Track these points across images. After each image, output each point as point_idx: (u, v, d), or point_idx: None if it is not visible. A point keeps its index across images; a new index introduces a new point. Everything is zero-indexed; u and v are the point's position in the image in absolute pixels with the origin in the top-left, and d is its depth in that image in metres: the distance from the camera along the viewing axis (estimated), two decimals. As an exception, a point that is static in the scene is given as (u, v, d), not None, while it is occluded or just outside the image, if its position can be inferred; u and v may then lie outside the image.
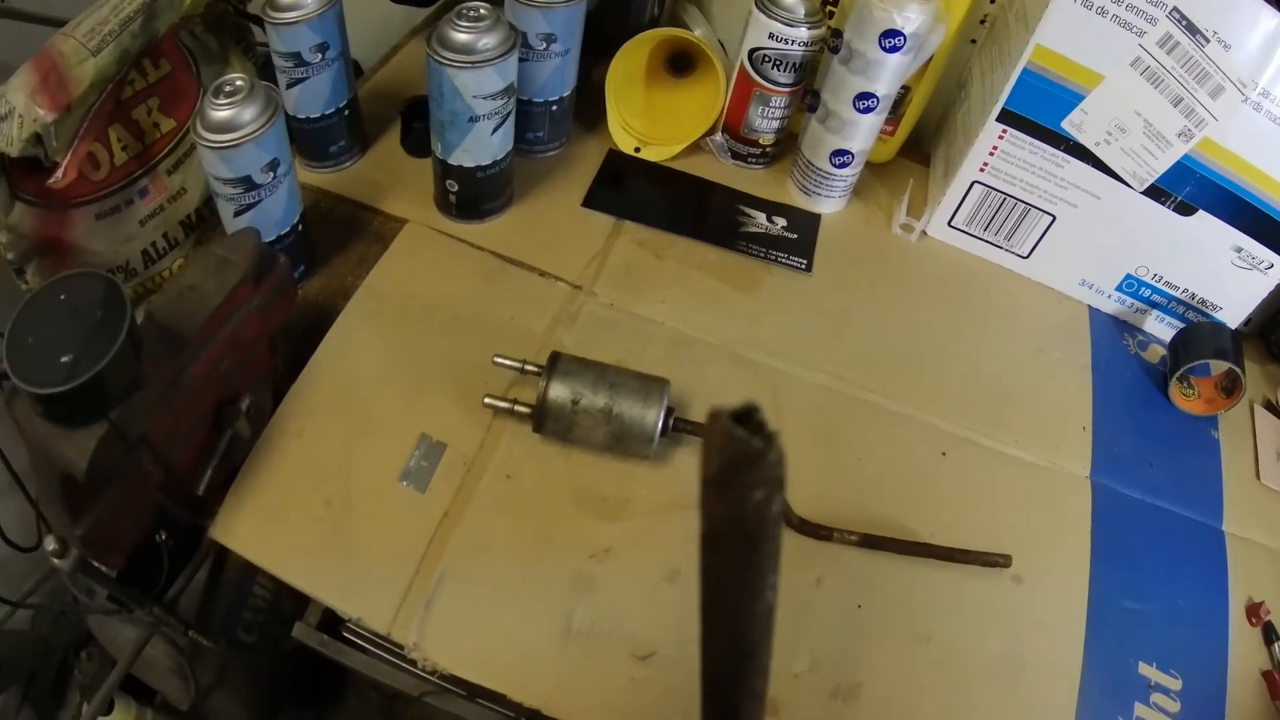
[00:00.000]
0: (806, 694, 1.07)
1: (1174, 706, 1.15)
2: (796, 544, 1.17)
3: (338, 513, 1.10)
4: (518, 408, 1.16)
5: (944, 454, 1.30)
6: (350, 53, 1.35)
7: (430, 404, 1.20)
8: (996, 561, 1.18)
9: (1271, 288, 1.48)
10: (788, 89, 1.46)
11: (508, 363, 1.19)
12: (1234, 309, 1.53)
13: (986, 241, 1.56)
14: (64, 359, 0.79)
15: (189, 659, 1.38)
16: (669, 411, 1.15)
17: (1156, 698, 1.16)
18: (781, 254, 1.47)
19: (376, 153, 1.49)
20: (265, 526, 1.09)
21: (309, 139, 1.38)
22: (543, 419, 1.13)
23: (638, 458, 1.19)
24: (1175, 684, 1.18)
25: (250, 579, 1.47)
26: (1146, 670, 1.18)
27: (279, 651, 1.54)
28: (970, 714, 1.11)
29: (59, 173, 1.11)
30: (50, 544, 0.97)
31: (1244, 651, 1.20)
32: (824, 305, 1.43)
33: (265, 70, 1.39)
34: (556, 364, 1.14)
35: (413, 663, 1.05)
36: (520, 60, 1.25)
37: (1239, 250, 1.43)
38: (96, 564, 1.02)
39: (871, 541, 1.17)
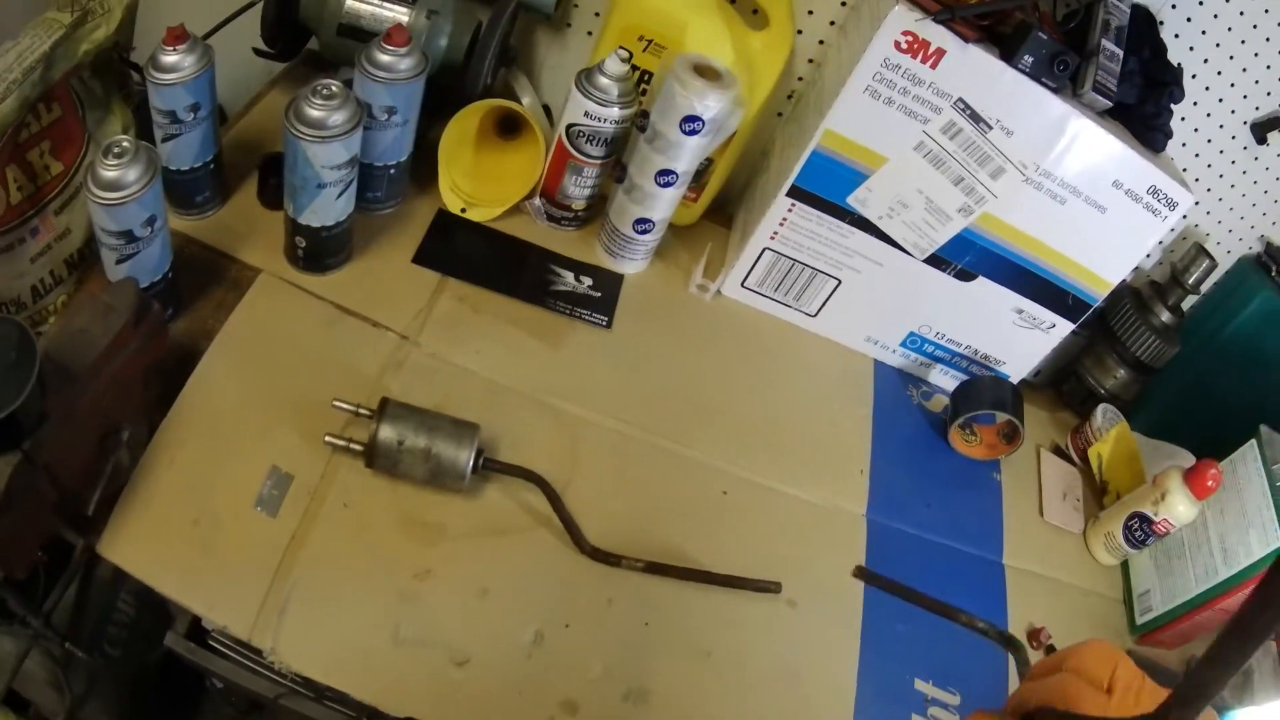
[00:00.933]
0: (601, 696, 1.23)
1: (952, 719, 1.32)
2: (589, 569, 1.33)
3: (204, 532, 1.22)
4: (352, 445, 1.30)
5: (725, 492, 1.46)
6: (218, 111, 1.46)
7: (280, 438, 1.32)
8: (767, 587, 1.35)
9: (1054, 345, 1.67)
10: (599, 161, 1.61)
11: (345, 406, 1.33)
12: (1017, 363, 1.72)
13: (777, 301, 1.72)
14: None
15: (64, 670, 1.43)
16: (479, 452, 1.30)
17: (934, 710, 1.33)
18: (585, 311, 1.63)
19: (236, 202, 1.59)
20: (143, 543, 1.19)
21: (178, 189, 1.48)
22: (373, 456, 1.28)
23: (452, 491, 1.33)
24: (953, 699, 1.35)
25: (115, 595, 1.52)
26: (922, 685, 1.35)
27: (143, 664, 1.60)
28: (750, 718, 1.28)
29: None
30: None
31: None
32: (622, 358, 1.60)
33: (140, 113, 1.47)
34: (385, 409, 1.29)
35: (270, 666, 1.18)
36: (364, 129, 1.37)
37: (1020, 311, 1.62)
38: (3, 575, 1.14)
39: (656, 568, 1.34)
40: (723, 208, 1.87)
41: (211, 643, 1.45)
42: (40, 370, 0.96)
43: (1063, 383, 1.88)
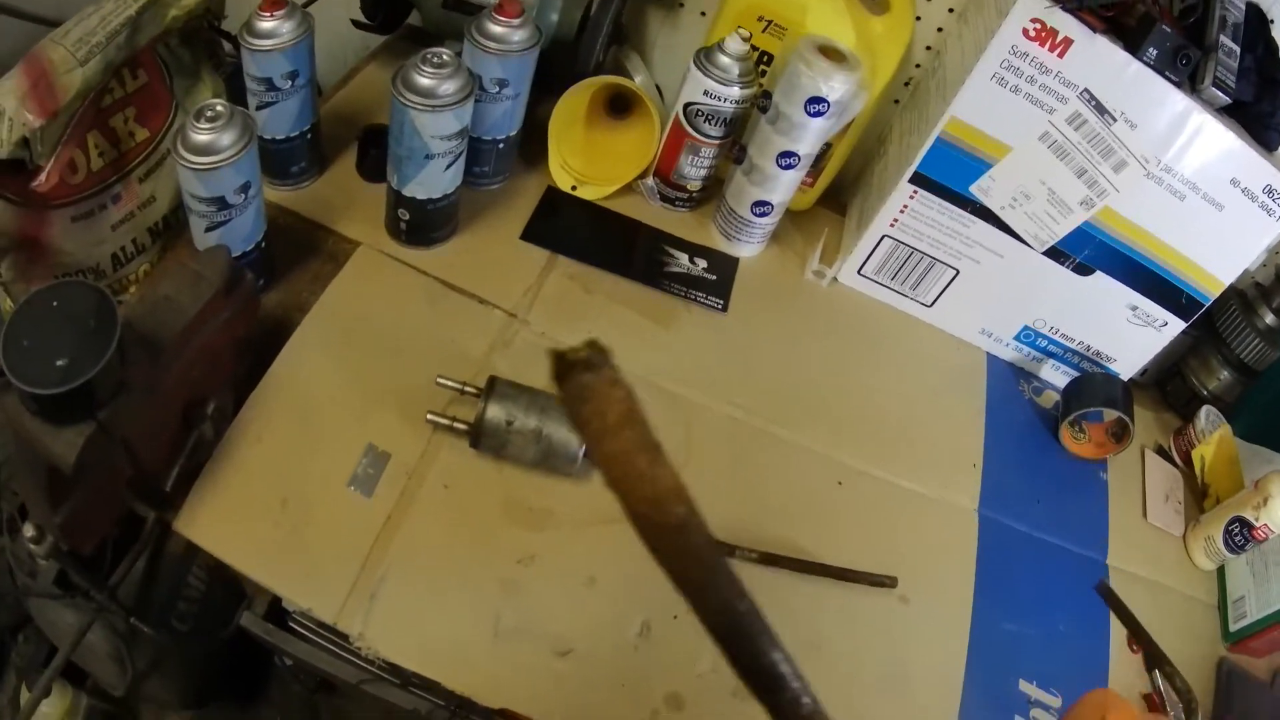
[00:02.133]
0: (709, 691, 1.14)
1: None
2: None
3: (293, 512, 1.15)
4: (456, 425, 1.22)
5: (840, 483, 1.37)
6: (316, 79, 1.39)
7: (377, 417, 1.24)
8: (883, 581, 1.26)
9: (1165, 343, 1.57)
10: (717, 141, 1.53)
11: (449, 383, 1.24)
12: (1128, 361, 1.61)
13: (893, 290, 1.63)
14: (59, 362, 0.83)
15: (127, 645, 1.38)
16: None
17: (1036, 713, 1.24)
18: (700, 293, 1.54)
19: (333, 174, 1.52)
20: (225, 522, 1.13)
21: (273, 158, 1.40)
22: (479, 436, 1.19)
23: (562, 475, 1.25)
24: (1055, 701, 1.26)
25: (186, 570, 1.45)
26: (1027, 687, 1.26)
27: (212, 642, 1.53)
28: (855, 717, 1.17)
29: (43, 175, 1.13)
30: (29, 530, 1.03)
31: (1124, 675, 1.29)
32: (737, 343, 1.50)
33: (232, 82, 1.42)
34: (494, 387, 1.20)
35: (356, 651, 1.10)
36: (474, 102, 1.29)
37: (1134, 309, 1.52)
38: (70, 549, 1.07)
39: (770, 559, 1.25)
40: (835, 195, 1.76)
41: (291, 624, 1.38)
42: (120, 338, 0.88)
43: (1167, 383, 1.79)
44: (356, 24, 1.61)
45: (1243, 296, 1.67)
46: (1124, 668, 1.30)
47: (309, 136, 1.43)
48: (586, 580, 1.20)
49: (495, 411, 1.19)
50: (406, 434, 1.25)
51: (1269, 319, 1.62)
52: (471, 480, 1.24)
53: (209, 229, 1.20)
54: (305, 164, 1.47)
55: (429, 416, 1.23)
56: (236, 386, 1.22)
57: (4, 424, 0.91)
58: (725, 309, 1.54)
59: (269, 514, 1.15)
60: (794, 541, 1.29)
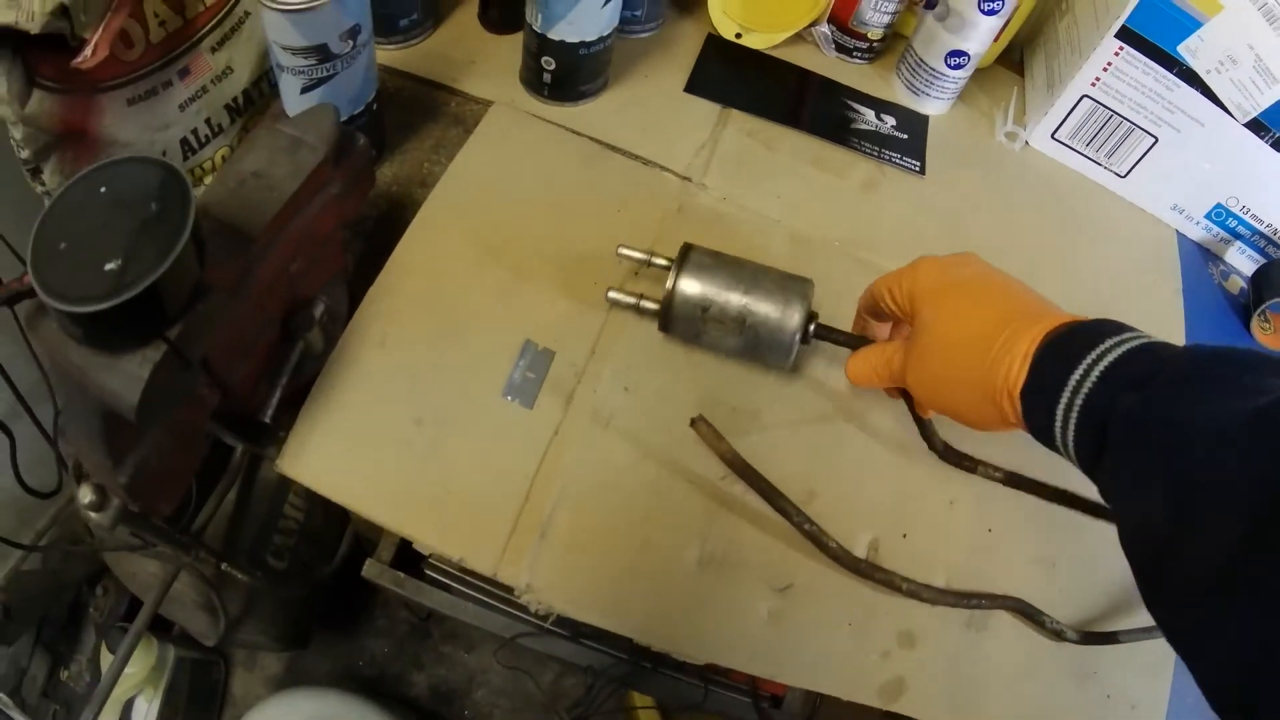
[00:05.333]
0: (942, 623, 0.95)
1: None
2: (935, 469, 1.02)
3: (430, 434, 0.92)
4: (644, 303, 0.98)
5: None
6: None
7: (532, 304, 1.01)
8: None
9: None
10: None
11: (633, 254, 0.99)
12: None
13: (1087, 157, 1.43)
14: (109, 266, 0.57)
15: (217, 592, 1.21)
16: (810, 317, 0.95)
17: None
18: (895, 154, 1.31)
19: (451, 27, 1.27)
20: (344, 454, 0.90)
21: (376, 9, 1.07)
22: (669, 319, 0.95)
23: (772, 367, 1.01)
24: None
25: (281, 500, 1.29)
26: None
27: (312, 579, 1.38)
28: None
29: (87, 50, 0.86)
30: (86, 495, 0.77)
31: None
32: (939, 210, 1.28)
33: None
34: (688, 257, 0.94)
35: (521, 606, 0.90)
36: None
37: None
38: (142, 512, 0.82)
39: (1015, 480, 1.03)
40: (1009, 53, 1.53)
41: (428, 570, 1.24)
42: (196, 227, 0.62)
43: None
44: None
45: None
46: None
47: None
48: (805, 494, 0.96)
49: (690, 287, 0.93)
50: (572, 324, 1.01)
51: None
52: (658, 377, 1.00)
53: (305, 89, 0.95)
54: (417, 16, 1.21)
55: (610, 294, 0.99)
56: (350, 284, 0.97)
57: (45, 359, 0.68)
58: (923, 171, 1.30)
59: (400, 440, 0.91)
60: (1028, 458, 1.05)
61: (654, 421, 0.97)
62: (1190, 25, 1.24)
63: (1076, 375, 0.67)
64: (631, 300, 0.98)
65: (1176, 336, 1.29)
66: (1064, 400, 0.67)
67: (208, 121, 1.06)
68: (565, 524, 0.91)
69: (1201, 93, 1.29)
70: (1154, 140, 1.37)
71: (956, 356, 0.77)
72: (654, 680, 1.27)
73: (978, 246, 1.15)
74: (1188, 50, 1.26)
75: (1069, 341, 0.69)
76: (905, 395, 0.89)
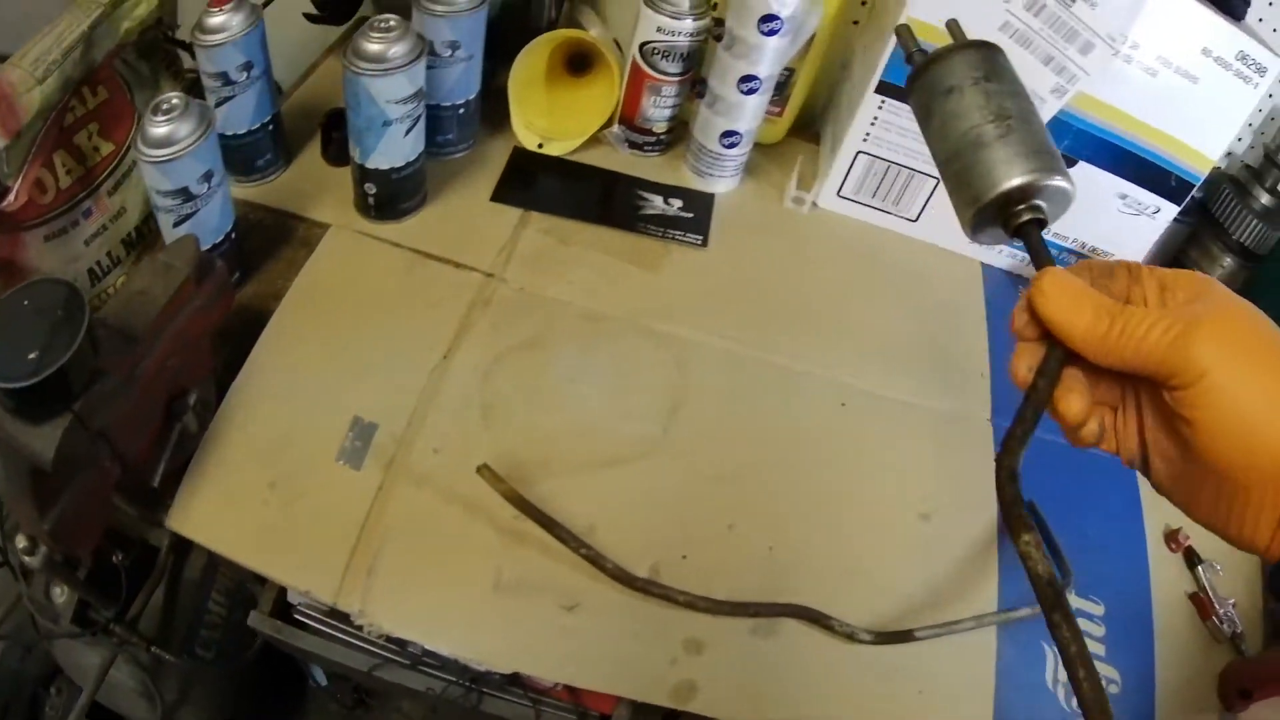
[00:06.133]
0: (728, 630, 1.14)
1: (1099, 630, 1.22)
2: (706, 495, 1.24)
3: (282, 494, 1.15)
4: None
5: (843, 404, 1.36)
6: (272, 73, 1.41)
7: (360, 389, 1.24)
8: None
9: (1160, 231, 1.56)
10: (677, 78, 1.52)
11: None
12: (1125, 254, 1.57)
13: (875, 208, 1.61)
14: (31, 355, 0.82)
15: (153, 678, 1.41)
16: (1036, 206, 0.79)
17: (1079, 622, 1.22)
18: (679, 231, 1.54)
19: (300, 164, 1.53)
20: (216, 512, 1.13)
21: (237, 154, 1.42)
22: (936, 62, 0.83)
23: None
24: (1098, 609, 1.24)
25: (205, 595, 1.49)
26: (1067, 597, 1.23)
27: (239, 665, 1.56)
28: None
29: (11, 196, 1.13)
30: (20, 541, 1.03)
31: (1167, 576, 1.27)
32: (722, 276, 1.49)
33: (193, 91, 1.38)
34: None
35: (360, 632, 1.10)
36: (429, 68, 1.31)
37: (1124, 197, 1.50)
38: (65, 556, 1.08)
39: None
40: (808, 125, 1.76)
41: (298, 618, 1.39)
42: (91, 327, 0.87)
43: None
44: (309, 17, 1.61)
45: (1235, 182, 1.65)
46: (1166, 569, 1.28)
47: (271, 128, 1.44)
48: (587, 527, 1.18)
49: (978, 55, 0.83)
50: (393, 402, 1.25)
51: (1264, 199, 1.61)
52: (462, 440, 1.23)
53: (177, 223, 1.22)
54: (271, 156, 1.48)
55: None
56: (218, 379, 1.23)
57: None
58: (705, 243, 1.54)
59: (259, 499, 1.15)
60: (805, 471, 1.29)
61: (458, 474, 1.17)
62: (911, 69, 1.44)
63: None
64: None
65: (982, 358, 1.47)
66: None
67: (109, 254, 1.32)
68: (390, 561, 1.11)
69: (973, 127, 1.49)
70: (937, 180, 1.53)
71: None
72: (489, 702, 1.41)
73: (759, 302, 1.42)
74: (948, 91, 1.47)
75: None
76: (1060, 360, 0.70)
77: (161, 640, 1.31)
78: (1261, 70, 1.37)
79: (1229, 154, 1.72)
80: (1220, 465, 0.61)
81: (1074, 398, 0.70)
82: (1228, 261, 1.66)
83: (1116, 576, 1.28)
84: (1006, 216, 0.78)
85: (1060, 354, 0.70)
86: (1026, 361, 0.73)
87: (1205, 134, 1.44)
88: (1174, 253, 1.74)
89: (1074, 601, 1.23)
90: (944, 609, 1.20)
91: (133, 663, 1.39)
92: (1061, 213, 0.79)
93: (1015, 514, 0.69)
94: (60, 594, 1.20)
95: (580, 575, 1.14)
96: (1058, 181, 0.76)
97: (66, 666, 1.47)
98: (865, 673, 1.13)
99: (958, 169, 0.80)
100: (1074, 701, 1.12)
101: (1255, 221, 1.60)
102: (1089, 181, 1.49)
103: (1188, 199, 1.52)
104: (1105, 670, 1.20)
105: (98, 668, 1.30)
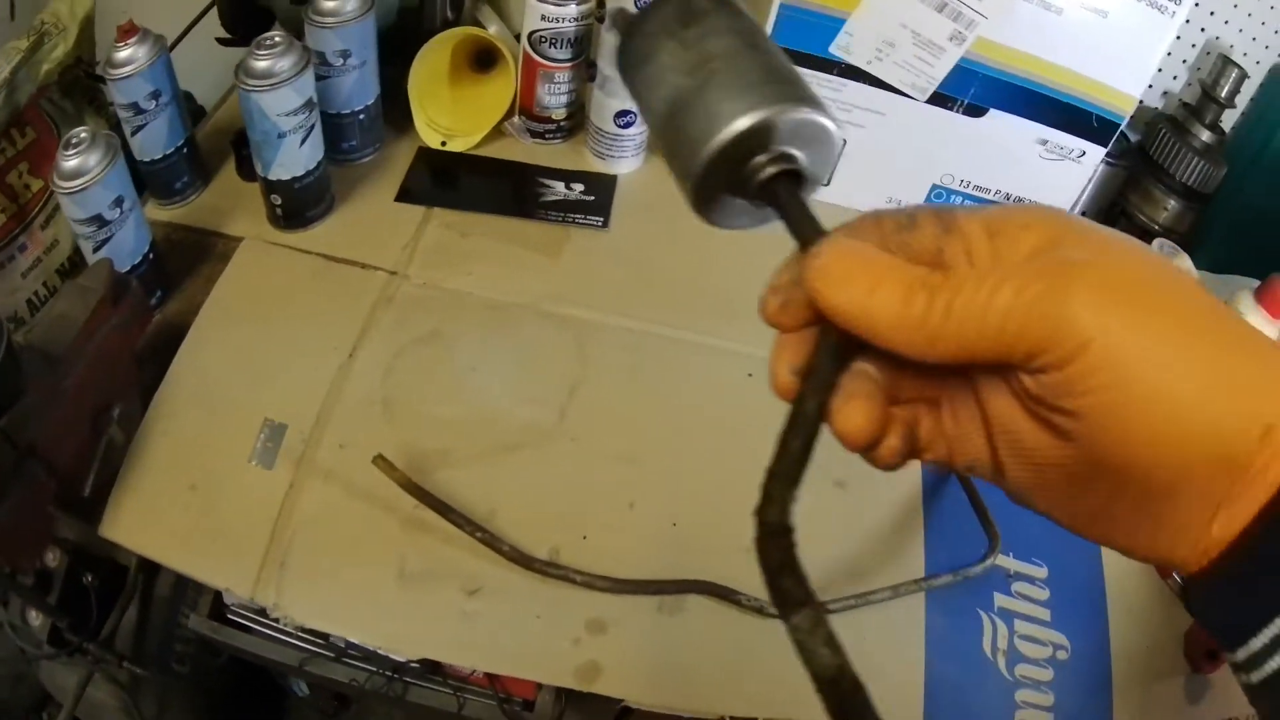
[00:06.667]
0: (632, 610, 1.22)
1: (1042, 594, 1.28)
2: (605, 474, 1.34)
3: (201, 496, 1.24)
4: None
5: (750, 375, 1.43)
6: (184, 97, 1.50)
7: (271, 392, 1.34)
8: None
9: (1089, 175, 1.61)
10: (568, 64, 1.63)
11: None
12: (1056, 202, 1.62)
13: None
14: None
15: (132, 695, 1.46)
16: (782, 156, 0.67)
17: (1019, 586, 1.28)
18: (579, 215, 1.63)
19: (217, 184, 1.63)
20: (143, 517, 1.22)
21: (155, 178, 1.52)
22: (646, 16, 0.64)
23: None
24: (1040, 572, 1.29)
25: (176, 611, 1.52)
26: (1004, 561, 1.29)
27: (213, 677, 1.66)
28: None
29: None
30: None
31: None
32: (623, 257, 1.59)
33: (118, 125, 1.51)
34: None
35: (278, 624, 1.20)
36: (323, 78, 1.41)
37: (1044, 142, 1.56)
38: (10, 569, 1.21)
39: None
40: None
41: (232, 618, 1.47)
42: (11, 348, 1.00)
43: (1111, 223, 1.75)
44: (221, 41, 1.70)
45: (1173, 121, 1.70)
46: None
47: (185, 151, 1.54)
48: (488, 512, 1.26)
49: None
50: (301, 404, 1.34)
51: (1205, 136, 1.66)
52: (366, 435, 1.31)
53: (95, 249, 1.32)
54: (188, 178, 1.58)
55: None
56: (144, 394, 1.32)
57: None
58: (606, 225, 1.63)
59: (180, 502, 1.24)
60: (713, 444, 1.37)
61: (362, 469, 1.23)
62: (833, 25, 1.47)
63: None
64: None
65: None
66: None
67: (45, 284, 1.43)
68: (301, 555, 1.20)
69: (872, 84, 1.53)
70: (842, 142, 1.54)
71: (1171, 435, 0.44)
72: (412, 691, 1.47)
73: (662, 280, 1.54)
74: (840, 49, 1.50)
75: None
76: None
77: (136, 657, 1.40)
78: (1178, -1, 1.36)
79: (1165, 93, 1.77)
80: (1127, 465, 0.46)
81: (856, 407, 0.54)
82: (1171, 204, 1.72)
83: (1059, 536, 1.23)
84: (742, 178, 0.59)
85: (836, 344, 0.54)
86: (787, 360, 0.59)
87: (1124, 70, 1.48)
88: (1112, 198, 1.80)
89: (1013, 565, 1.28)
90: (866, 579, 1.25)
91: (111, 681, 1.44)
92: (829, 157, 0.60)
93: (783, 587, 0.53)
94: (35, 617, 1.31)
95: (481, 560, 1.22)
96: (799, 113, 0.56)
97: (51, 689, 1.54)
98: (780, 647, 1.07)
99: (664, 147, 0.62)
100: (1016, 669, 1.21)
101: (1197, 159, 1.66)
102: (1004, 129, 1.53)
103: (1114, 139, 1.55)
104: (1052, 636, 1.25)
105: (73, 686, 1.37)
